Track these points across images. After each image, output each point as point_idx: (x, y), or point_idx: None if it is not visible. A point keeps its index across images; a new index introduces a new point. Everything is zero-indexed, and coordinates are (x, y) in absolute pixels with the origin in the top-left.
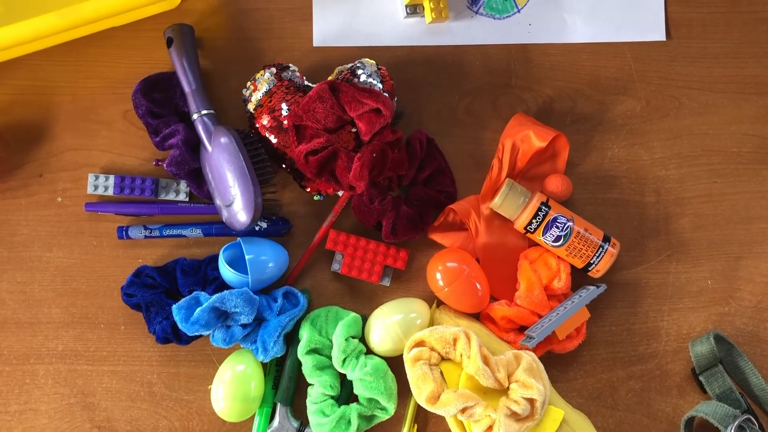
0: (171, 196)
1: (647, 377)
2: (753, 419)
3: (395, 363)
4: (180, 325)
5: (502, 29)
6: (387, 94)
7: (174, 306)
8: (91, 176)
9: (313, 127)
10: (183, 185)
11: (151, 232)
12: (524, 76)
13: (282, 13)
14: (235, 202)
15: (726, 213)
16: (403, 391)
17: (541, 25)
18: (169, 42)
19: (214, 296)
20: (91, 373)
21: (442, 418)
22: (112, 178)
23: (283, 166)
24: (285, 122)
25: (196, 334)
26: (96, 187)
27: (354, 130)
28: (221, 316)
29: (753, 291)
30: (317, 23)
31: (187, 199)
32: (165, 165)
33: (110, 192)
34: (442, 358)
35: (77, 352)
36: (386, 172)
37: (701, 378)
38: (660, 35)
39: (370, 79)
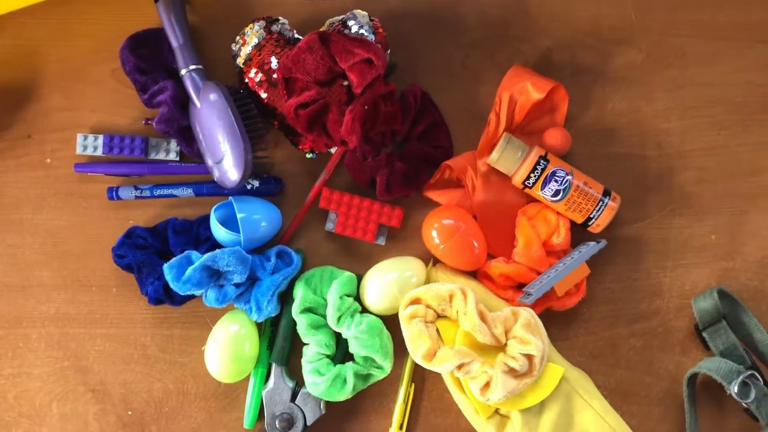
0: (161, 156)
1: (649, 335)
2: (757, 375)
3: (391, 322)
4: (171, 284)
5: None
6: (379, 46)
7: (165, 265)
8: (80, 136)
9: (303, 80)
10: (173, 144)
11: (141, 192)
12: (522, 26)
13: None
14: (225, 159)
15: (730, 166)
16: (400, 350)
17: None
18: None
19: (206, 255)
20: (84, 336)
21: (439, 377)
22: (101, 138)
23: (275, 123)
24: (275, 76)
25: (189, 293)
26: (85, 148)
27: (346, 83)
28: (214, 276)
29: (758, 245)
30: None
31: (177, 159)
32: (154, 123)
33: (99, 152)
34: (438, 316)
35: (69, 315)
36: (379, 126)
37: (704, 334)
38: None
39: (362, 30)
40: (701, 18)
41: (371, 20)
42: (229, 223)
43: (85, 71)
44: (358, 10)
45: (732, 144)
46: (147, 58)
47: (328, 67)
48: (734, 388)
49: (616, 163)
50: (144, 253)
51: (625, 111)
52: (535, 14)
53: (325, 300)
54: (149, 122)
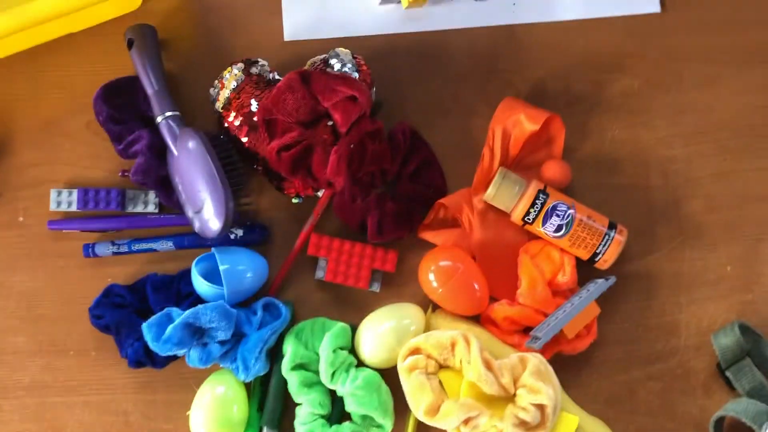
0: (140, 208)
1: (668, 377)
2: None
3: (390, 375)
4: (151, 345)
5: (485, 11)
6: (365, 84)
7: (144, 324)
8: (53, 192)
9: (284, 121)
10: (152, 196)
11: (119, 248)
12: (512, 58)
13: (249, 7)
14: (205, 207)
15: (740, 191)
16: (400, 405)
17: (526, 3)
18: (130, 43)
19: (187, 311)
20: (62, 405)
21: None
22: (75, 193)
23: (258, 168)
24: (255, 119)
25: (170, 354)
26: (59, 203)
27: (331, 123)
28: (196, 333)
29: None
30: (287, 16)
31: (156, 210)
32: (131, 174)
33: (74, 207)
34: (441, 366)
35: (45, 383)
36: (367, 165)
37: (728, 373)
38: (654, 7)
39: (345, 69)
40: (698, 41)
41: (354, 57)
42: (213, 275)
43: (58, 124)
44: (341, 48)
45: (740, 169)
46: (122, 108)
47: (310, 106)
48: (766, 431)
49: (619, 194)
50: (122, 313)
51: (626, 140)
52: (525, 45)
53: (318, 354)
54: (126, 174)
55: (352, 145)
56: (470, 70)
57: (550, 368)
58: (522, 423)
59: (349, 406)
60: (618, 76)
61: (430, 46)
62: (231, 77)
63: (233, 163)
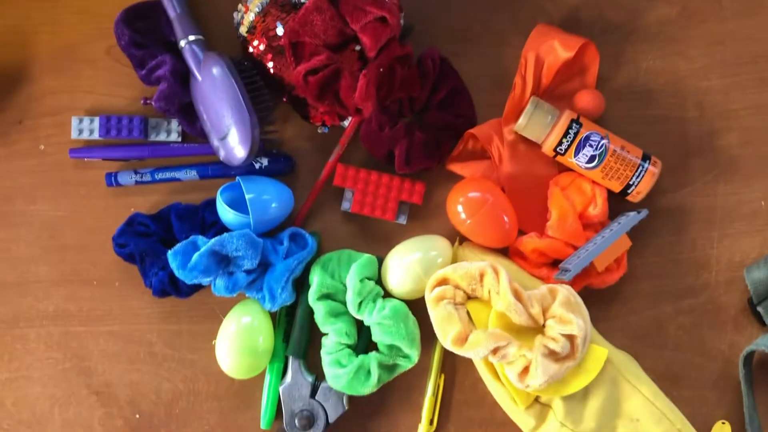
0: (162, 137)
1: (698, 312)
2: None
3: (417, 306)
4: (176, 273)
5: None
6: (395, 5)
7: (169, 252)
8: (75, 119)
9: (312, 44)
10: (174, 124)
11: (142, 177)
12: None
13: None
14: (230, 134)
15: None
16: (427, 337)
17: None
18: None
19: (213, 239)
20: (86, 334)
21: (471, 366)
22: (97, 120)
23: (283, 97)
24: (281, 43)
25: (196, 282)
26: (81, 131)
27: (358, 48)
28: (222, 262)
29: None
30: None
31: (179, 139)
32: (153, 101)
33: (96, 135)
34: (468, 297)
35: (70, 312)
36: (396, 92)
37: (760, 308)
38: None
39: None
40: None
41: None
42: (238, 204)
43: (78, 50)
44: None
45: None
46: (144, 32)
47: (338, 28)
48: None
49: (653, 126)
50: (147, 241)
51: (661, 70)
52: None
53: (344, 285)
54: (148, 102)
55: (381, 69)
56: None
57: (579, 299)
58: (551, 353)
59: (376, 336)
60: (655, 3)
61: None
62: (255, 0)
63: (259, 89)
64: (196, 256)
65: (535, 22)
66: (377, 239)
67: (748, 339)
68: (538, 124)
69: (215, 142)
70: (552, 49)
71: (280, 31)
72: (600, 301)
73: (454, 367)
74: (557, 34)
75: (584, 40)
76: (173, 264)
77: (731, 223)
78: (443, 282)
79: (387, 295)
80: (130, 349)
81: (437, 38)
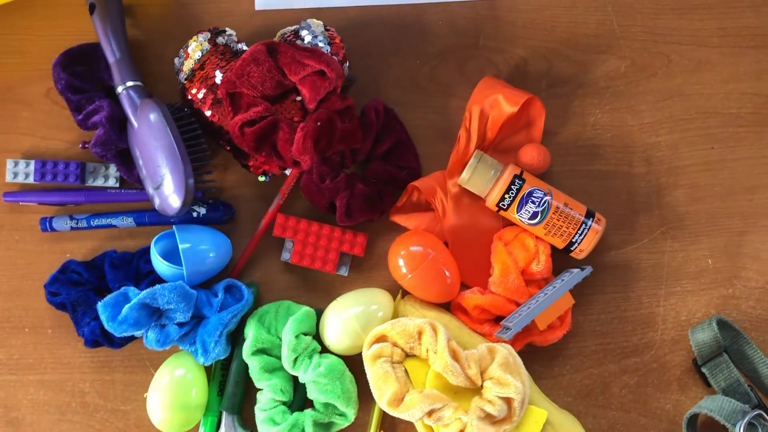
0: (99, 182)
1: (643, 371)
2: (765, 415)
3: (355, 362)
4: (106, 325)
5: None
6: (336, 59)
7: (99, 304)
8: (10, 162)
9: (249, 95)
10: (112, 169)
11: (77, 223)
12: (493, 36)
13: None
14: (165, 183)
15: (726, 182)
16: (365, 395)
17: None
18: (92, 8)
19: (144, 291)
20: (16, 383)
21: (411, 426)
22: (32, 164)
23: (223, 144)
24: (219, 93)
25: (127, 335)
26: (15, 175)
27: (299, 98)
28: (154, 314)
29: (759, 269)
30: None
31: (117, 185)
32: (90, 146)
33: (31, 179)
34: (407, 355)
35: None
36: (336, 144)
37: (704, 369)
38: None
39: (317, 41)
40: (688, 23)
41: (326, 30)
42: (175, 254)
43: (16, 91)
44: (313, 20)
45: (727, 159)
46: (82, 76)
47: (276, 80)
48: (739, 430)
49: (600, 181)
50: (79, 291)
51: (609, 125)
52: (508, 22)
53: (281, 339)
54: (87, 146)
55: (319, 123)
56: (449, 47)
57: (519, 360)
58: (488, 416)
59: (311, 394)
60: (604, 57)
61: (407, 20)
62: (196, 47)
63: (196, 137)
64: (126, 308)
65: (483, 74)
66: (318, 290)
67: (692, 399)
68: (481, 179)
69: (150, 191)
70: (497, 103)
71: (219, 79)
72: (543, 358)
73: (394, 424)
74: (502, 88)
75: (529, 95)
76: (103, 316)
77: (678, 281)
78: (381, 339)
79: (324, 350)
80: (61, 399)
81: (383, 89)
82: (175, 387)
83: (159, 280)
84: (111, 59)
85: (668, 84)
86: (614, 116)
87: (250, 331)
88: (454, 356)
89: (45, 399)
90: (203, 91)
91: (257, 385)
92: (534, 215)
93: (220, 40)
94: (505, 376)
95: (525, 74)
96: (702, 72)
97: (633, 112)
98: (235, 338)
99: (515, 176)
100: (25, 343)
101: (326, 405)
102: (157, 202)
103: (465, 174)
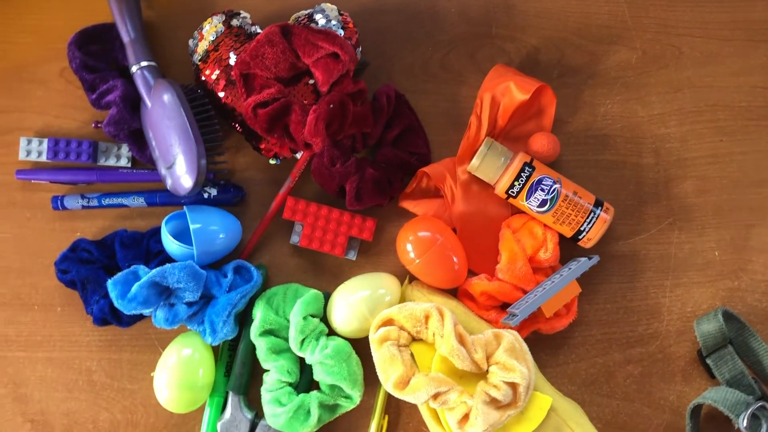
0: (111, 162)
1: (648, 361)
2: None
3: (361, 346)
4: (115, 303)
5: None
6: (349, 42)
7: (109, 281)
8: (23, 140)
9: (262, 76)
10: (124, 149)
11: (89, 202)
12: (506, 24)
13: None
14: (177, 163)
15: (734, 175)
16: (371, 377)
17: None
18: None
19: (154, 270)
20: (24, 360)
21: (416, 409)
22: (45, 142)
23: (235, 126)
24: (233, 73)
25: (136, 313)
26: (28, 153)
27: (312, 81)
28: (163, 293)
29: (766, 263)
30: None
31: (129, 165)
32: (103, 126)
33: (44, 158)
34: (413, 339)
35: (8, 337)
36: (347, 128)
37: (709, 361)
38: None
39: (330, 25)
40: (699, 16)
41: (341, 14)
42: (184, 235)
43: (30, 70)
44: (327, 3)
45: (736, 151)
46: (96, 55)
47: (290, 62)
48: (743, 422)
49: (609, 171)
50: (89, 268)
51: (619, 115)
52: (520, 11)
53: (288, 321)
54: (99, 125)
55: (331, 105)
56: (461, 35)
57: (525, 346)
58: (493, 401)
59: (318, 375)
60: (615, 48)
61: (421, 7)
62: (210, 28)
63: (209, 118)
64: (135, 286)
65: (494, 62)
66: (326, 274)
67: (696, 390)
68: (491, 166)
69: (162, 171)
70: (508, 91)
71: (233, 60)
72: (549, 346)
73: (399, 408)
74: (514, 76)
75: (540, 83)
76: (112, 294)
77: (684, 272)
78: (388, 323)
79: (331, 333)
80: (68, 377)
81: (394, 75)
82: (182, 366)
83: (168, 259)
84: (126, 39)
85: (679, 76)
86: (624, 107)
87: (258, 312)
88: (461, 341)
89: (53, 376)
90: (217, 72)
91: (264, 366)
92: (543, 203)
93: (235, 22)
94: (511, 361)
95: (536, 63)
96: (713, 64)
97: (643, 103)
98: (243, 319)
99: (525, 164)
100: (35, 320)
101: (332, 387)
102: (169, 182)
103: (475, 161)
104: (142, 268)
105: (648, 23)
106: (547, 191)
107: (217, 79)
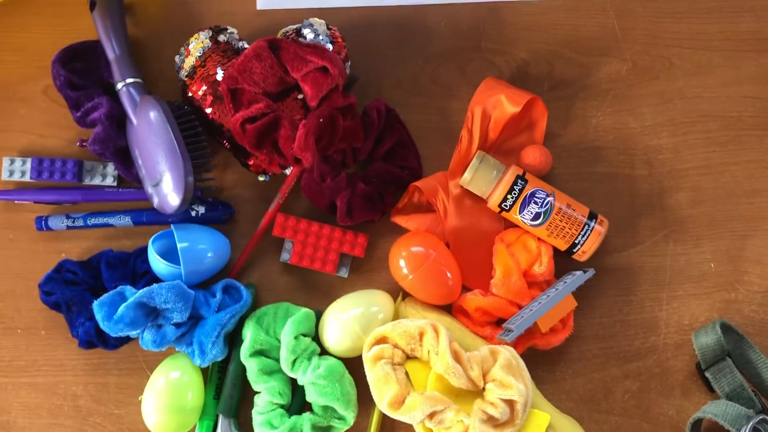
0: (97, 181)
1: (646, 376)
2: None
3: (354, 364)
4: (102, 324)
5: None
6: (338, 56)
7: (95, 302)
8: (6, 160)
9: (251, 91)
10: (110, 168)
11: (74, 222)
12: (496, 38)
13: None
14: (164, 181)
15: (727, 185)
16: (365, 397)
17: None
18: (92, 5)
19: (141, 291)
20: (7, 386)
21: (412, 429)
22: (29, 162)
23: (223, 142)
24: (220, 89)
25: (122, 335)
26: (12, 173)
27: (300, 96)
28: (150, 314)
29: (762, 273)
30: None
31: (115, 184)
32: (88, 144)
33: (27, 177)
34: (408, 357)
35: None
36: (337, 143)
37: (708, 374)
38: None
39: (319, 39)
40: (688, 27)
41: (329, 29)
42: (171, 254)
43: (13, 89)
44: (315, 19)
45: (728, 162)
46: (81, 72)
47: (278, 77)
48: None
49: (602, 183)
50: (74, 290)
51: (611, 127)
52: (510, 24)
53: (279, 341)
54: (84, 144)
55: (321, 120)
56: (451, 49)
57: (521, 362)
58: (490, 419)
59: (310, 396)
60: (605, 60)
61: (410, 21)
62: (197, 44)
63: (196, 135)
64: (122, 307)
65: (484, 76)
66: (317, 292)
67: (696, 405)
68: (483, 179)
69: (149, 189)
70: (499, 104)
71: (220, 76)
72: (545, 362)
73: (394, 428)
74: (505, 89)
75: (531, 95)
76: (98, 315)
77: (680, 284)
78: (382, 341)
79: (324, 352)
80: (53, 403)
81: (384, 89)
82: (171, 390)
83: (156, 280)
84: (111, 56)
85: (669, 87)
86: (616, 119)
87: (249, 332)
88: (456, 358)
89: (37, 402)
90: (204, 88)
91: (255, 387)
92: (536, 216)
93: (222, 38)
94: (508, 378)
95: (527, 76)
96: (703, 75)
97: (635, 115)
98: (233, 340)
99: (518, 176)
100: (18, 344)
101: (325, 408)
102: (155, 200)
103: (467, 175)
104: (128, 289)
105: (637, 35)
106: (540, 204)
107: (204, 95)
